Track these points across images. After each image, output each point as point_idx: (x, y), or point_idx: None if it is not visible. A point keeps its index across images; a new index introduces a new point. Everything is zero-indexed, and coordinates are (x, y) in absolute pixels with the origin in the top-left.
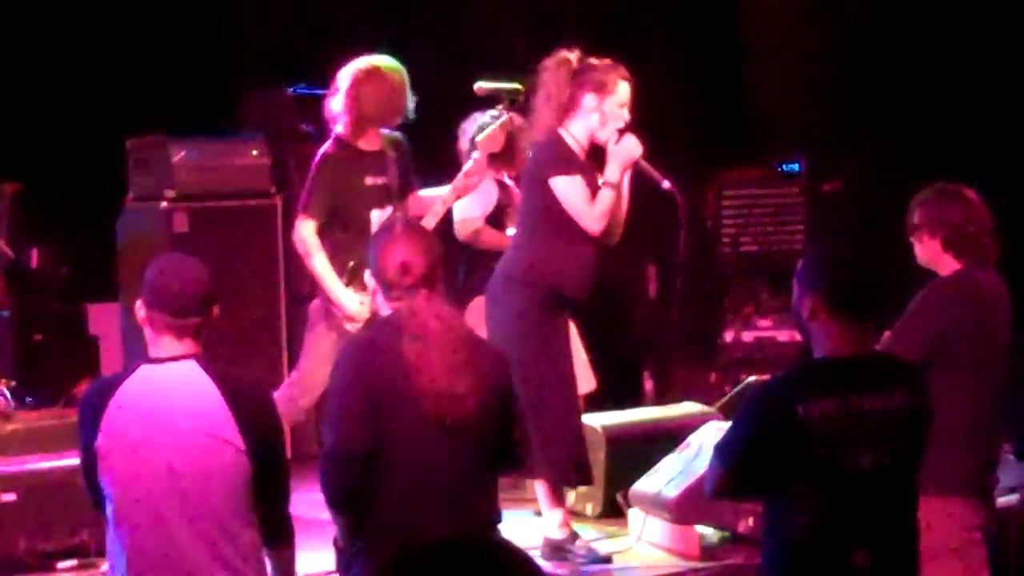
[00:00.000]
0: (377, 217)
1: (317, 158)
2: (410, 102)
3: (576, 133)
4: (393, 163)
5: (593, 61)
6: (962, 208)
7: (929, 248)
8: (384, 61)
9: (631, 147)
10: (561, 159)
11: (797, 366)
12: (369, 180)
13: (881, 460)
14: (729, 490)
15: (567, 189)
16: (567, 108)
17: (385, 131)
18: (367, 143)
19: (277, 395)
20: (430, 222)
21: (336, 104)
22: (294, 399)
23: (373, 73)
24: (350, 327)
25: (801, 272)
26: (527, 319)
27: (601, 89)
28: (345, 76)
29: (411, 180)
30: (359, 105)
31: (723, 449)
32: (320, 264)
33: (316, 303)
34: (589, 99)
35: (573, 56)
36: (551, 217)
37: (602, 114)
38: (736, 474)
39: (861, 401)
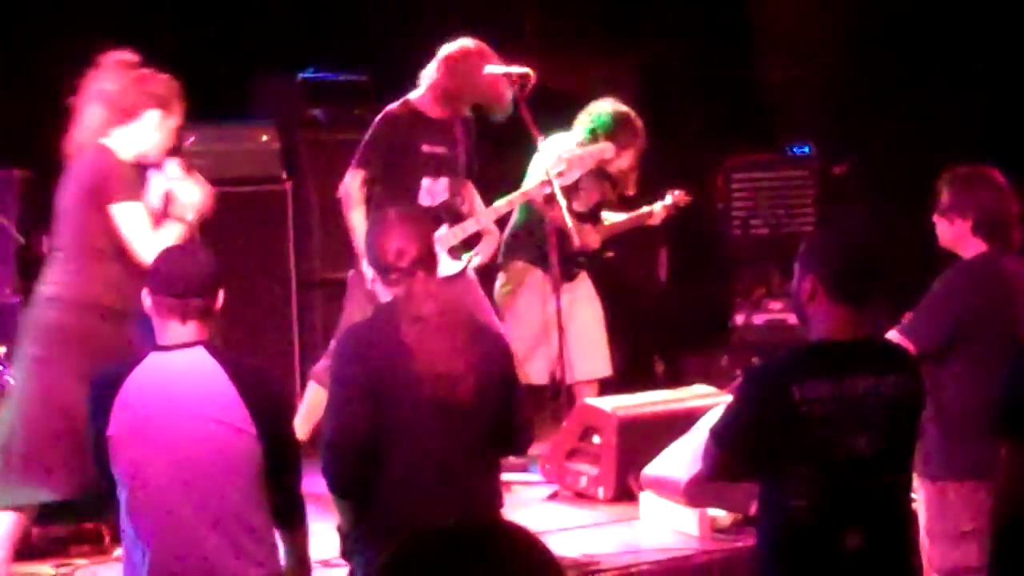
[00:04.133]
0: (427, 185)
1: (380, 115)
2: (506, 97)
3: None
4: (461, 137)
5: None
6: (994, 192)
7: (957, 229)
8: (485, 49)
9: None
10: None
11: (793, 349)
12: (426, 147)
13: (875, 444)
14: (724, 472)
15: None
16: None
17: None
18: (436, 111)
19: (318, 367)
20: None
21: (428, 71)
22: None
23: (473, 54)
24: (370, 287)
25: (802, 255)
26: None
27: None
28: (447, 49)
29: (473, 164)
30: (447, 79)
31: (718, 431)
32: (356, 218)
33: (353, 273)
34: (152, 115)
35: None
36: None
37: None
38: (731, 456)
39: (856, 384)
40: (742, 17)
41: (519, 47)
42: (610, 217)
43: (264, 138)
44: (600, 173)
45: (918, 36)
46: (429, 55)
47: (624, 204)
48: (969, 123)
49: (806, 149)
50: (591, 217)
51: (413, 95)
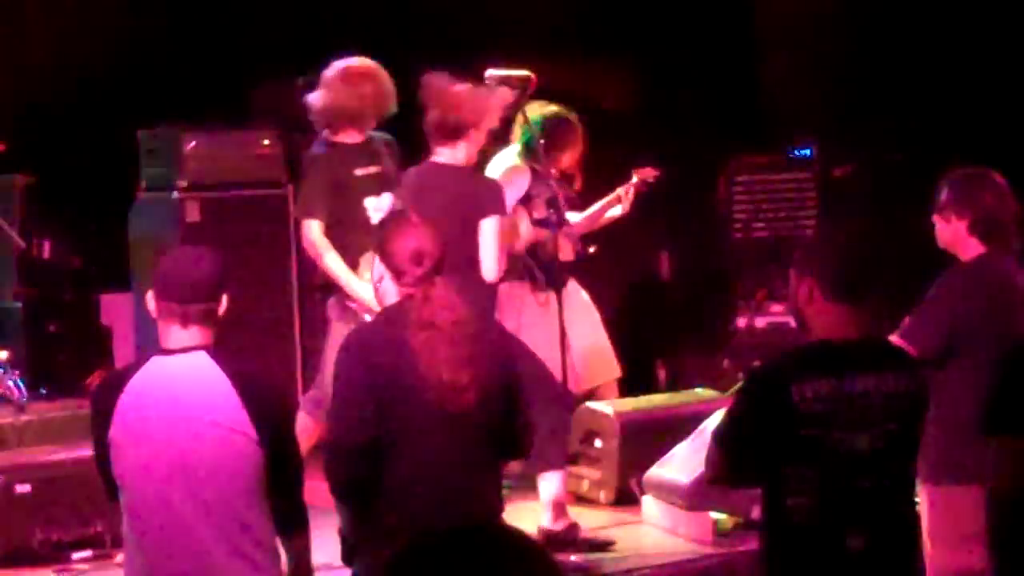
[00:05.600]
0: (373, 204)
1: (304, 160)
2: (388, 103)
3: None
4: (385, 155)
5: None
6: (992, 192)
7: (954, 229)
8: (360, 62)
9: None
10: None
11: (792, 348)
12: (359, 171)
13: (876, 443)
14: (726, 474)
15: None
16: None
17: (373, 132)
18: (348, 137)
19: (305, 398)
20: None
21: (314, 103)
22: (319, 400)
23: (348, 74)
24: (369, 318)
25: (797, 260)
26: None
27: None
28: (324, 77)
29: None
30: (333, 104)
31: (720, 432)
32: (332, 262)
33: (332, 301)
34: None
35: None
36: None
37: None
38: (733, 457)
39: (855, 383)
40: (744, 19)
41: (520, 49)
42: (576, 216)
43: (265, 143)
44: (552, 176)
45: (920, 38)
46: (430, 59)
47: (585, 205)
48: (971, 125)
49: (808, 151)
50: (556, 221)
51: (323, 131)
